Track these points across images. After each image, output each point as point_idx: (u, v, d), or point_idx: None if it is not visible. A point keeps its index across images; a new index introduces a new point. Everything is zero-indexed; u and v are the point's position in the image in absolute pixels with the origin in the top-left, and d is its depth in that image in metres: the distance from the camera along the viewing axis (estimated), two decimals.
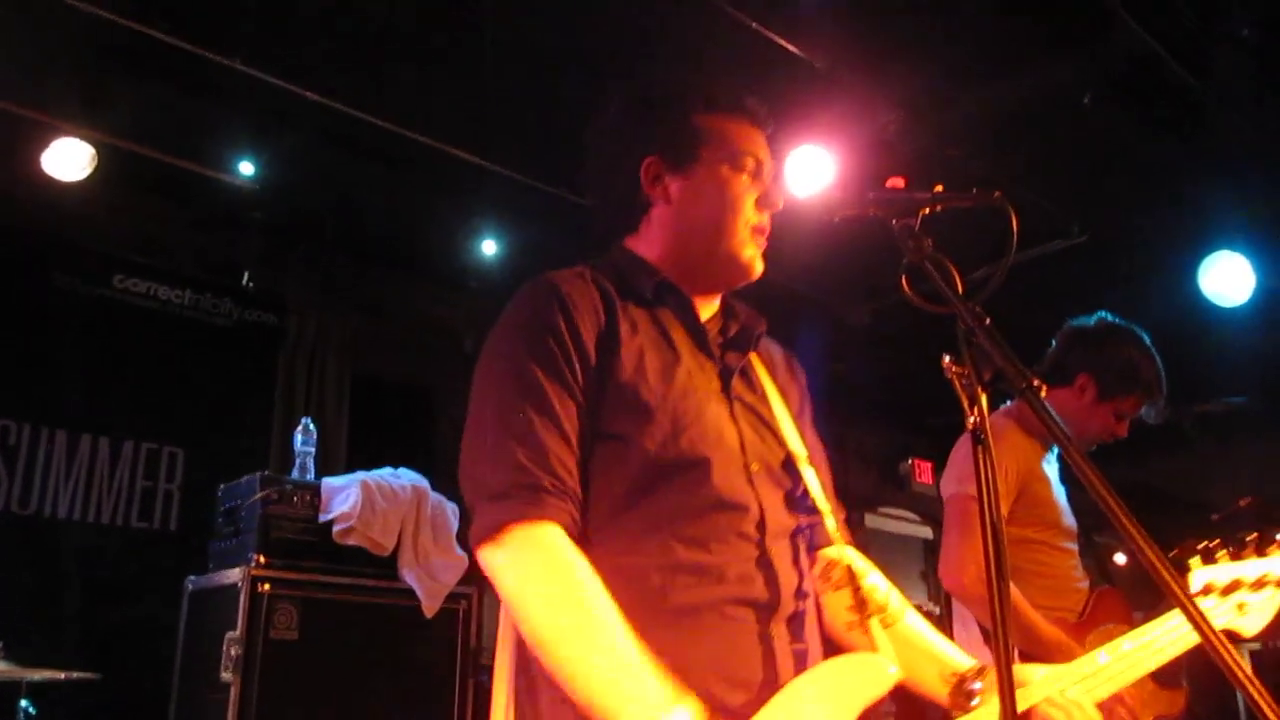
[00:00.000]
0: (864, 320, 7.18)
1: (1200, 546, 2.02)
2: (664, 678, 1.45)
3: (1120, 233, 6.03)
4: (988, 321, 1.34)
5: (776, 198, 1.87)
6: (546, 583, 1.53)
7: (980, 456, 1.28)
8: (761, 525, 1.68)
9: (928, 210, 1.54)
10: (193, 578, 4.37)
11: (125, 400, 5.35)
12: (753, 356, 1.91)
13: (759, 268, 1.88)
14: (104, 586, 4.95)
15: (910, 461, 9.79)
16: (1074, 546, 3.16)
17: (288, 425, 5.46)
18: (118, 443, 5.29)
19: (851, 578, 1.80)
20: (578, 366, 1.66)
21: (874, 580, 1.85)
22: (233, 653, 3.83)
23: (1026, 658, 2.83)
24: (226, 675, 3.82)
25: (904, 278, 1.49)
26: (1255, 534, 2.02)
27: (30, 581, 4.77)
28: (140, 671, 4.46)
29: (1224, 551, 1.98)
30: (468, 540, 1.62)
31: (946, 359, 1.36)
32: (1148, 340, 3.20)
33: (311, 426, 4.70)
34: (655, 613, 1.55)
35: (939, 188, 1.53)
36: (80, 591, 4.88)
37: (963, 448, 3.13)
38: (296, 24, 4.67)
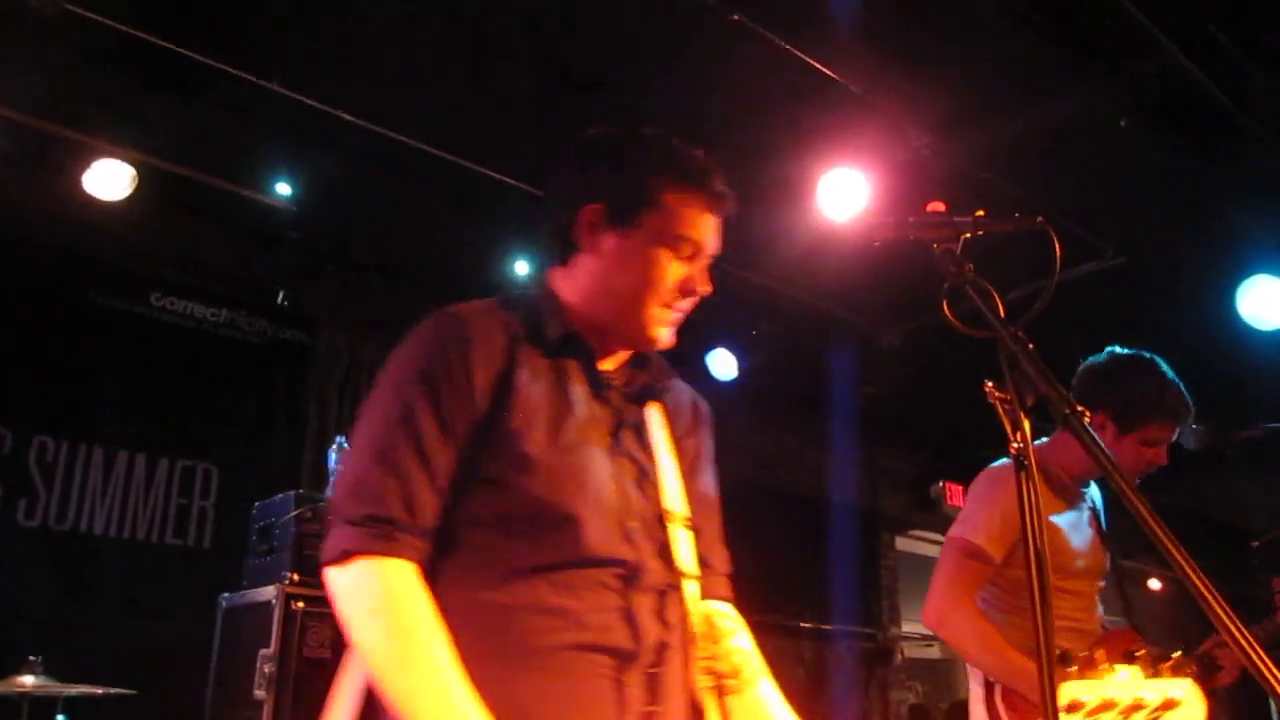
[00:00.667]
0: (895, 343, 7.15)
1: (1079, 655, 1.95)
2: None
3: (1157, 256, 5.99)
4: (1030, 346, 1.34)
5: (699, 285, 1.86)
6: (381, 612, 1.55)
7: (1024, 482, 1.28)
8: (630, 579, 1.69)
9: (969, 234, 1.53)
10: (227, 595, 4.39)
11: (161, 417, 5.42)
12: (656, 407, 1.91)
13: (665, 342, 1.88)
14: (139, 603, 5.00)
15: (941, 484, 9.76)
16: (1088, 588, 3.12)
17: (320, 443, 5.51)
18: (153, 460, 5.35)
19: (712, 640, 1.81)
20: (463, 408, 1.66)
21: (736, 643, 1.84)
22: (266, 670, 3.84)
23: (1010, 694, 2.81)
24: (260, 693, 3.83)
25: (945, 302, 1.48)
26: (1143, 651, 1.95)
27: (67, 597, 4.83)
28: (174, 688, 4.49)
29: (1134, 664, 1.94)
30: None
31: (989, 384, 1.36)
32: (1162, 365, 3.16)
33: (345, 445, 4.73)
34: (509, 652, 1.58)
35: (981, 212, 1.52)
36: (116, 607, 4.93)
37: (976, 486, 3.10)
38: (333, 46, 4.72)
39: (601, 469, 1.74)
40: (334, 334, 6.28)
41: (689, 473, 1.92)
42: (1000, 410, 1.34)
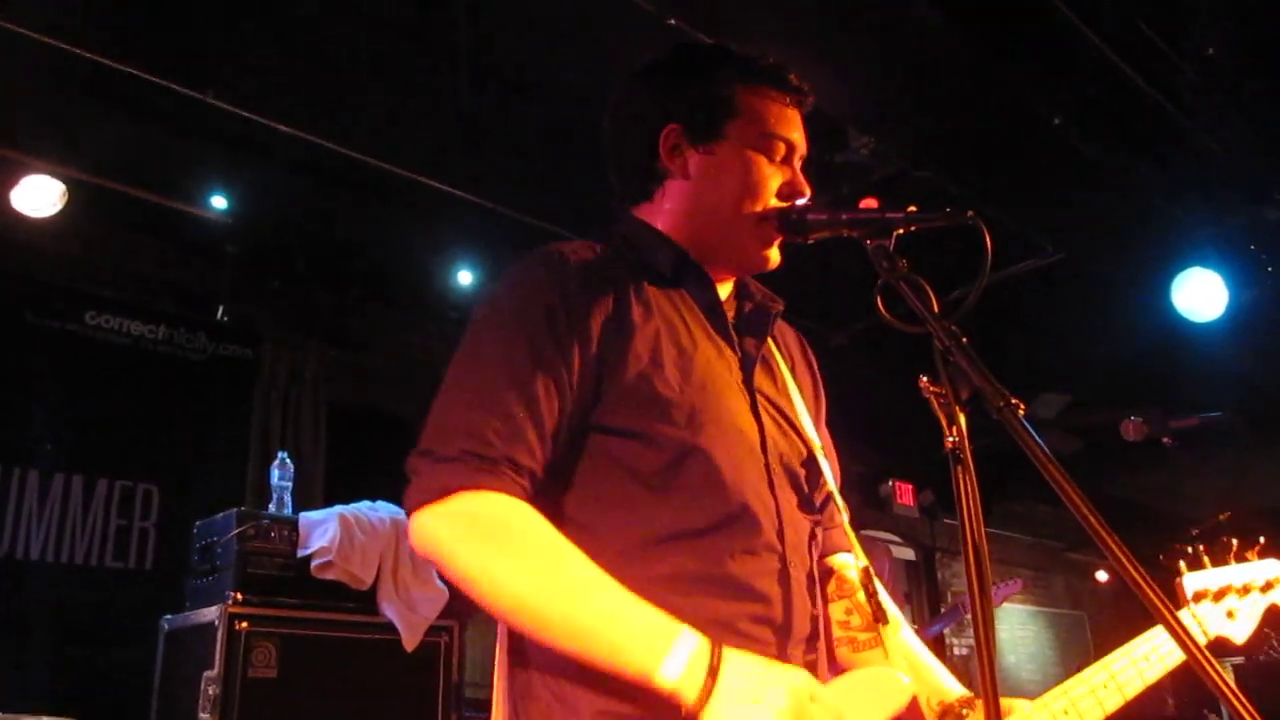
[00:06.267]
0: (843, 343, 7.19)
1: (1187, 551, 1.99)
2: (659, 610, 1.37)
3: (1094, 251, 6.07)
4: (964, 340, 1.33)
5: (803, 186, 1.73)
6: (506, 537, 1.42)
7: (960, 476, 1.27)
8: (781, 535, 1.58)
9: (902, 230, 1.52)
10: (169, 617, 4.30)
11: (98, 438, 5.29)
12: (769, 341, 1.78)
13: (774, 261, 1.75)
14: (78, 627, 4.87)
15: (891, 483, 9.81)
16: None
17: (264, 460, 5.42)
18: (91, 481, 5.22)
19: (868, 580, 1.71)
20: (574, 350, 1.52)
21: (867, 594, 1.74)
22: (210, 692, 3.76)
23: None
24: (205, 716, 3.75)
25: (879, 298, 1.47)
26: (1234, 540, 2.01)
27: (2, 624, 4.69)
28: (116, 714, 4.39)
29: (1206, 558, 1.97)
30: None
31: (924, 379, 1.35)
32: None
33: (288, 461, 4.66)
34: None
35: (913, 208, 1.52)
36: (54, 633, 4.80)
37: None
38: (268, 55, 4.65)
39: (738, 408, 1.63)
40: (276, 348, 6.18)
41: (813, 412, 1.82)
42: (935, 404, 1.33)
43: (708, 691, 1.32)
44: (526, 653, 1.52)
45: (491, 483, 1.44)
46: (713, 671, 1.33)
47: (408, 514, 1.48)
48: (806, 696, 1.35)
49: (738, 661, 1.36)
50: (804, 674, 1.40)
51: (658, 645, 1.35)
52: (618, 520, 1.53)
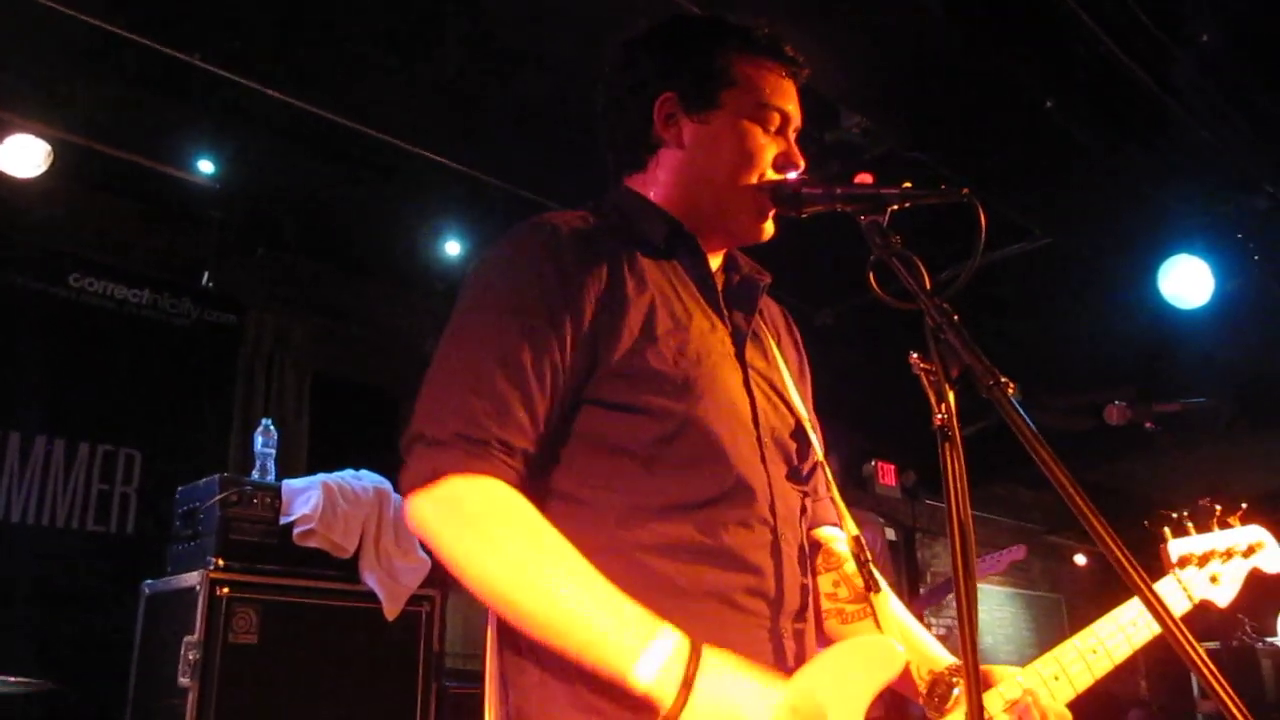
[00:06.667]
0: (828, 322, 7.19)
1: (1171, 517, 2.02)
2: (639, 606, 1.36)
3: (1081, 236, 6.08)
4: (955, 318, 1.33)
5: (797, 157, 1.72)
6: (491, 525, 1.41)
7: (949, 453, 1.27)
8: (773, 508, 1.58)
9: (896, 207, 1.52)
10: (150, 581, 4.30)
11: (81, 402, 5.25)
12: (756, 315, 1.78)
13: (770, 231, 1.75)
14: (59, 591, 4.85)
15: (873, 464, 9.84)
16: None
17: (247, 427, 5.40)
18: (73, 445, 5.19)
19: (859, 550, 1.71)
20: (566, 326, 1.50)
21: (853, 565, 1.75)
22: (191, 657, 3.76)
23: None
24: (184, 680, 3.76)
25: (871, 274, 1.47)
26: (1218, 506, 2.04)
27: None
28: (96, 678, 4.39)
29: (1190, 524, 2.00)
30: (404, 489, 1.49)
31: (914, 355, 1.35)
32: None
33: (272, 428, 4.64)
34: (657, 597, 1.43)
35: (907, 184, 1.51)
36: (34, 597, 4.78)
37: None
38: (257, 20, 4.60)
39: (732, 381, 1.62)
40: (261, 316, 6.14)
41: (799, 384, 1.82)
42: (925, 381, 1.33)
43: (683, 701, 1.31)
44: (515, 630, 1.51)
45: (482, 466, 1.44)
46: (687, 683, 1.32)
47: (401, 495, 1.48)
48: (788, 715, 1.34)
49: (717, 671, 1.34)
50: (788, 689, 1.39)
51: (633, 643, 1.33)
52: (609, 494, 1.52)
